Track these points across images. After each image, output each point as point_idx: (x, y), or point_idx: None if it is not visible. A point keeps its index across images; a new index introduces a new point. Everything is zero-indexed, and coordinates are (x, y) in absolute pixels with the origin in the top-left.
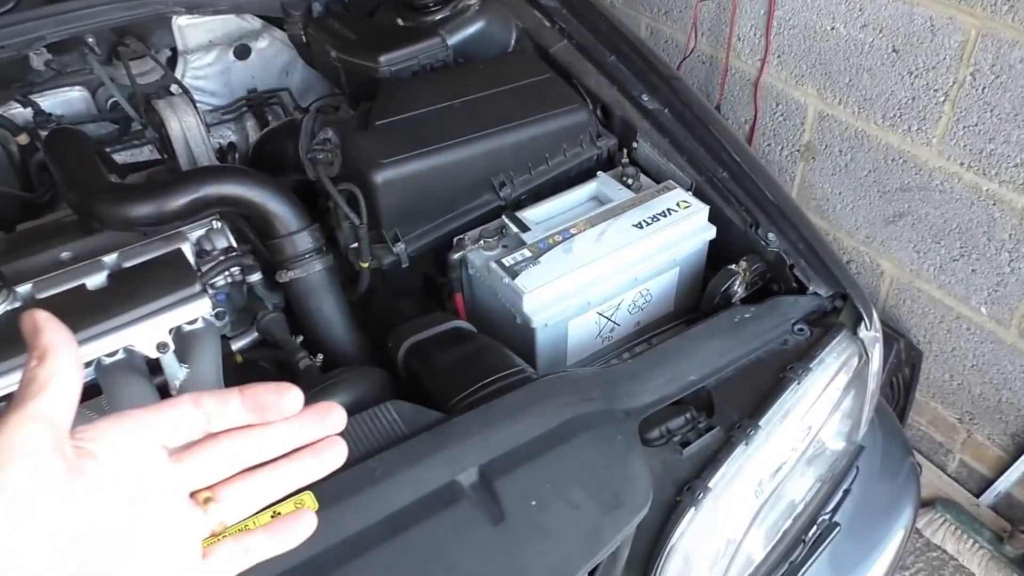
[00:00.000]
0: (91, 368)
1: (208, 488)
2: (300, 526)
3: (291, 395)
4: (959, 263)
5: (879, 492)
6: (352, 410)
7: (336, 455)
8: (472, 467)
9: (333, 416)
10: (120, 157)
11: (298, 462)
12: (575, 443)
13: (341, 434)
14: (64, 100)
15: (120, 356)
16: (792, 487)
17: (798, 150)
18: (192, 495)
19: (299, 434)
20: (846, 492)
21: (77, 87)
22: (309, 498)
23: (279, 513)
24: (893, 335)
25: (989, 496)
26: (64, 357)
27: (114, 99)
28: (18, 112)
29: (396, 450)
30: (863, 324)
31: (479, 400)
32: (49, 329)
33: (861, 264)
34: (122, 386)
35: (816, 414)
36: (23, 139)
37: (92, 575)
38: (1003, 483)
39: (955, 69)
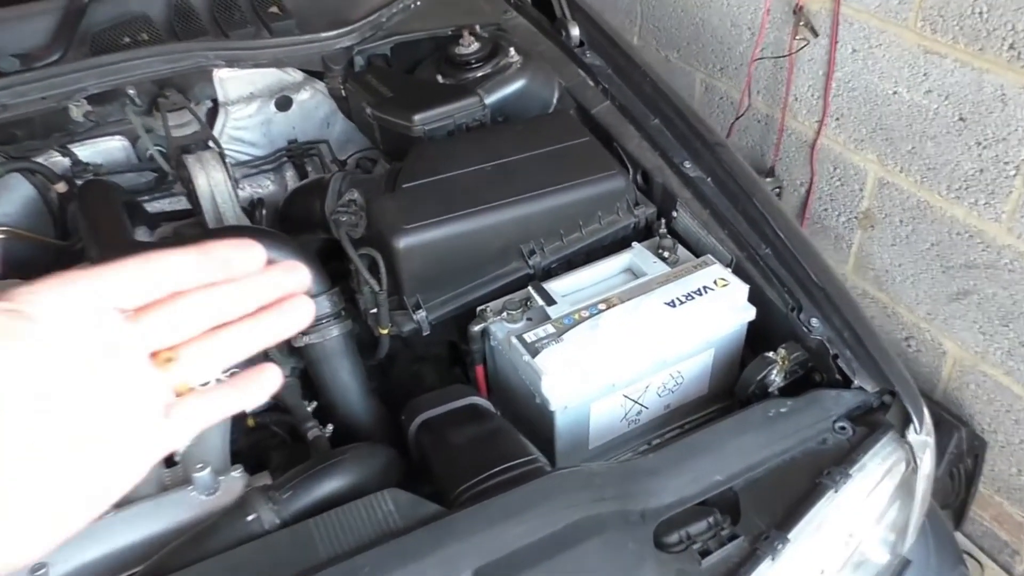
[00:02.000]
0: None
1: (169, 349)
2: (264, 379)
3: (253, 250)
4: None
5: None
6: (352, 493)
7: (302, 313)
8: (467, 571)
9: (298, 273)
10: (160, 204)
11: (262, 319)
12: (581, 549)
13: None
14: (104, 149)
15: None
16: None
17: (856, 217)
18: (153, 355)
19: (263, 292)
20: None
21: (118, 136)
22: None
23: None
24: (954, 422)
25: None
26: None
27: (154, 149)
28: (58, 161)
29: (387, 547)
30: (912, 426)
31: (484, 492)
32: None
33: (922, 342)
34: None
35: (856, 525)
36: (61, 187)
37: (47, 443)
38: None
39: None
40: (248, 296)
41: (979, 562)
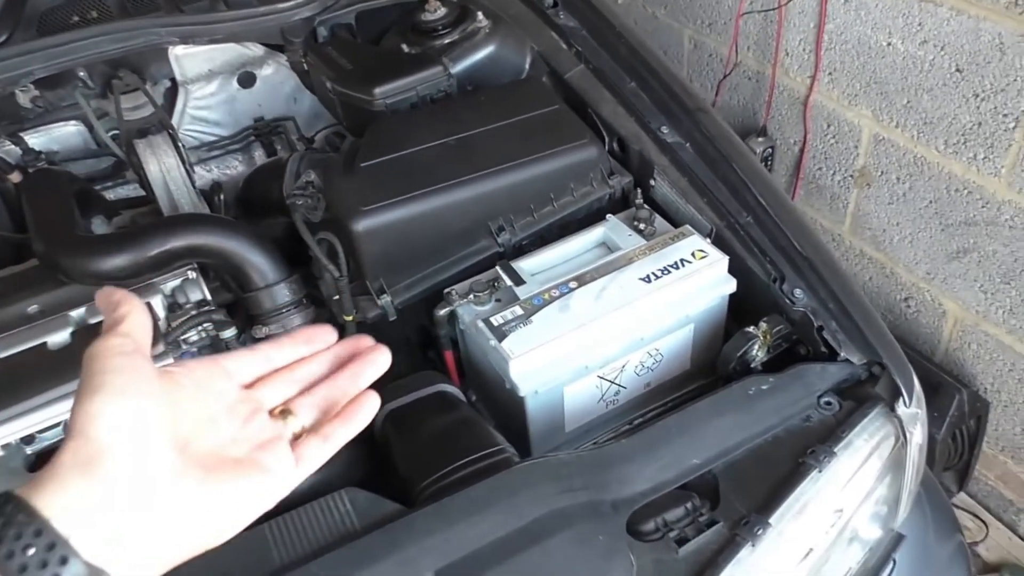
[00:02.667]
0: (59, 429)
1: (282, 405)
2: (366, 406)
3: (328, 329)
4: None
5: None
6: (311, 494)
7: (383, 360)
8: (427, 572)
9: (365, 339)
10: (124, 191)
11: (351, 370)
12: (548, 545)
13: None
14: (60, 135)
15: None
16: None
17: (851, 176)
18: (270, 413)
19: (341, 353)
20: None
21: (73, 121)
22: None
23: None
24: (956, 385)
25: None
26: (135, 302)
27: (111, 133)
28: (12, 149)
29: (343, 551)
30: (902, 399)
31: (447, 487)
32: (116, 291)
33: (921, 302)
34: None
35: (843, 503)
36: (16, 177)
37: (191, 471)
38: None
39: None
40: (328, 360)
41: (984, 521)
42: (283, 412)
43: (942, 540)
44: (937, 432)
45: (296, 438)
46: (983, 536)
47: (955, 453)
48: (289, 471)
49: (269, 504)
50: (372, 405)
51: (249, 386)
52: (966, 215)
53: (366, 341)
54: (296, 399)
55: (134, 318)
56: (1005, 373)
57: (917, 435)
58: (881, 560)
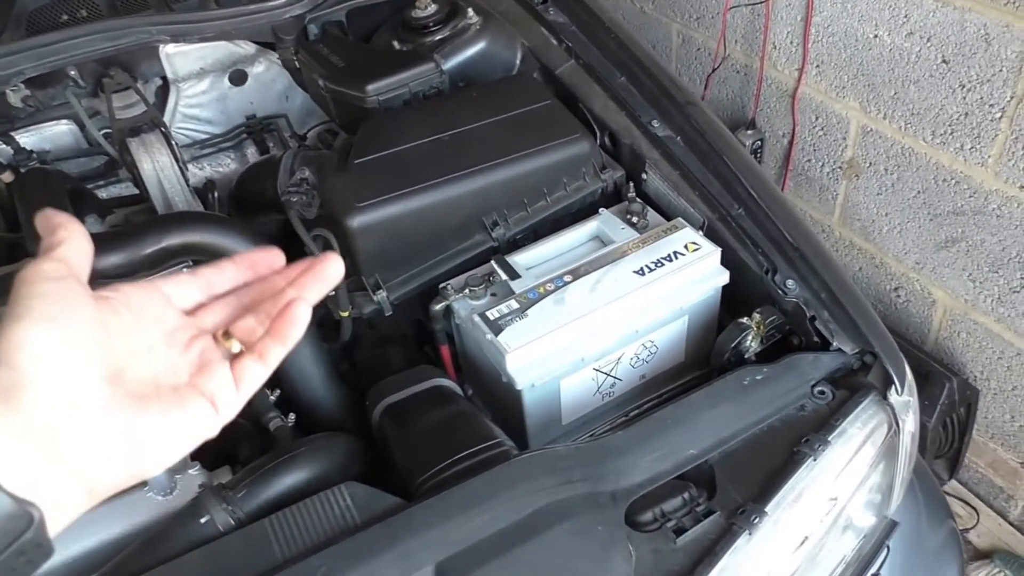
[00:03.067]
0: None
1: (223, 328)
2: (296, 317)
3: (275, 252)
4: (1020, 295)
5: (914, 570)
6: (310, 488)
7: (334, 269)
8: (428, 565)
9: (327, 261)
10: (116, 189)
11: (297, 284)
12: (548, 536)
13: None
14: (52, 135)
15: None
16: (810, 573)
17: (840, 167)
18: (213, 337)
19: (290, 275)
20: None
21: (64, 121)
22: None
23: None
24: (946, 373)
25: None
26: (73, 226)
27: (103, 132)
28: (4, 149)
29: (344, 545)
30: (894, 387)
31: (446, 481)
32: (57, 214)
33: (911, 292)
34: None
35: (837, 491)
36: (7, 177)
37: (134, 391)
38: None
39: (1012, 82)
40: (275, 283)
41: (975, 509)
42: (224, 335)
43: (935, 527)
44: (928, 420)
45: (236, 359)
46: (974, 523)
47: (945, 441)
48: (230, 395)
49: (212, 431)
50: (303, 315)
51: (189, 312)
52: (954, 205)
53: (319, 258)
54: (237, 321)
55: (72, 243)
56: (994, 361)
57: (909, 423)
58: (875, 547)
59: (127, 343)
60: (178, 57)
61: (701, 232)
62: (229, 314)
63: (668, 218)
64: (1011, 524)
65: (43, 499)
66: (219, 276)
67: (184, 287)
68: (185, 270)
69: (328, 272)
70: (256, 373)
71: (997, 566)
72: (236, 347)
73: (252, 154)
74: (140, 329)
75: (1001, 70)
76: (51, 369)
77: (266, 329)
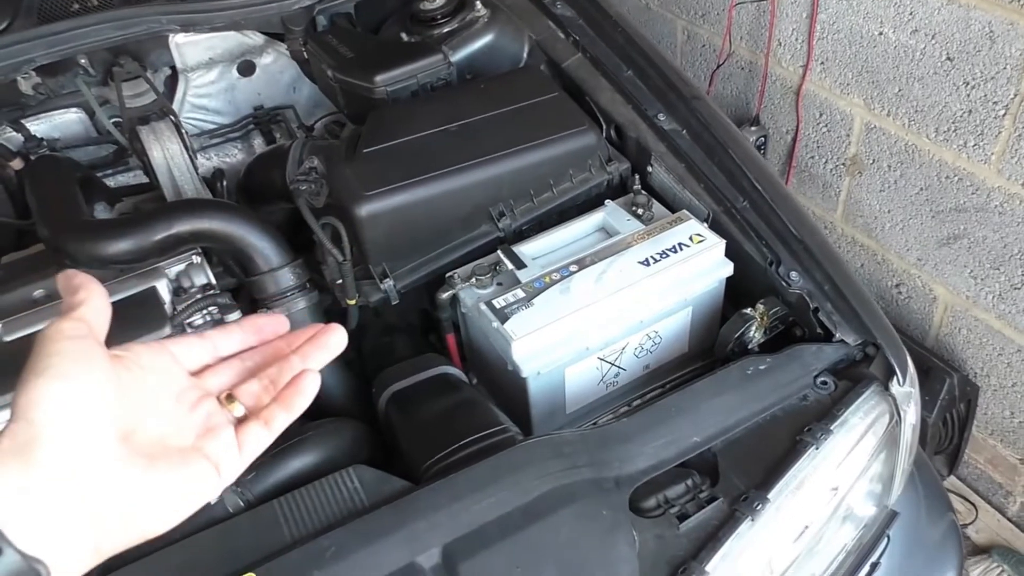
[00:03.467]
0: None
1: (228, 391)
2: (305, 387)
3: (280, 319)
4: (1021, 291)
5: (914, 561)
6: (319, 471)
7: (338, 340)
8: (435, 547)
9: (318, 325)
10: (124, 178)
11: (302, 352)
12: (553, 520)
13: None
14: (61, 123)
15: None
16: (811, 561)
17: (843, 164)
18: (217, 399)
19: (295, 342)
20: (874, 566)
21: (74, 109)
22: None
23: None
24: (946, 369)
25: None
26: (94, 287)
27: (112, 120)
28: (13, 136)
29: (352, 526)
30: (896, 378)
31: (452, 465)
32: (77, 275)
33: (912, 288)
34: None
35: (839, 480)
36: (18, 164)
37: (139, 453)
38: None
39: (1017, 80)
40: (280, 348)
41: (973, 505)
42: (228, 398)
43: (935, 519)
44: (928, 416)
45: (240, 424)
46: (973, 519)
47: (945, 437)
48: (233, 459)
49: (213, 493)
50: (311, 386)
51: (196, 373)
52: (957, 202)
53: (323, 328)
54: (241, 385)
55: (92, 303)
56: (995, 357)
57: (911, 414)
58: (875, 536)
59: (139, 402)
60: (188, 47)
61: (706, 224)
62: (234, 377)
63: (673, 210)
64: (1009, 520)
65: (51, 556)
66: (226, 339)
67: (192, 348)
68: (192, 333)
69: (332, 343)
70: (260, 438)
71: (995, 561)
72: (240, 411)
73: (259, 145)
74: (151, 389)
75: (1005, 68)
76: (66, 425)
77: (273, 396)
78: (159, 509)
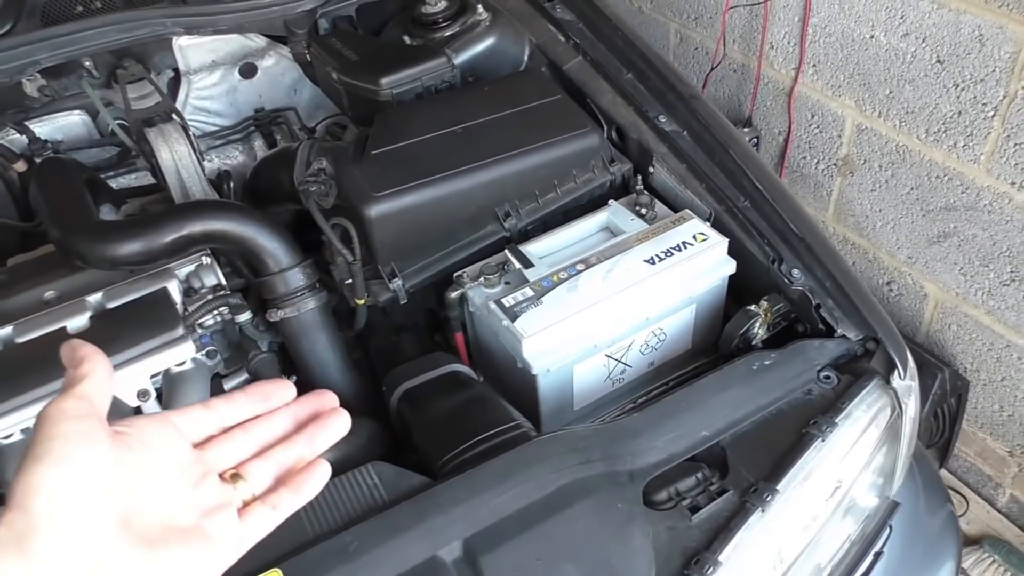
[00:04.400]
0: None
1: (233, 468)
2: (317, 475)
3: (286, 385)
4: (1010, 288)
5: (915, 552)
6: (336, 469)
7: (341, 423)
8: (456, 541)
9: (326, 397)
10: (125, 180)
11: (308, 432)
12: (570, 513)
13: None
14: (64, 125)
15: None
16: (818, 549)
17: (835, 164)
18: (221, 476)
19: (300, 414)
20: (878, 555)
21: (77, 111)
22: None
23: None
24: (937, 364)
25: None
26: (98, 360)
27: (117, 122)
28: (16, 139)
29: (374, 521)
30: (896, 372)
31: (469, 461)
32: (82, 346)
33: (903, 286)
34: None
35: (844, 472)
36: (21, 166)
37: (141, 535)
38: None
39: (1006, 82)
40: (290, 419)
41: (964, 497)
42: (233, 476)
43: (934, 509)
44: (920, 410)
45: (245, 504)
46: (964, 511)
47: (937, 431)
48: (235, 541)
49: (215, 574)
50: (323, 475)
51: (200, 444)
52: (947, 201)
53: (326, 400)
54: (248, 463)
55: (95, 378)
56: (984, 353)
57: (911, 406)
58: (878, 526)
59: (140, 482)
60: (191, 49)
61: (708, 223)
62: (240, 453)
63: (675, 210)
64: (999, 511)
65: None
66: (231, 409)
67: (196, 419)
68: (197, 404)
69: (337, 425)
70: (266, 521)
71: (986, 551)
72: (247, 492)
73: (260, 147)
74: (153, 466)
75: (994, 70)
76: (65, 514)
77: (281, 480)
78: None
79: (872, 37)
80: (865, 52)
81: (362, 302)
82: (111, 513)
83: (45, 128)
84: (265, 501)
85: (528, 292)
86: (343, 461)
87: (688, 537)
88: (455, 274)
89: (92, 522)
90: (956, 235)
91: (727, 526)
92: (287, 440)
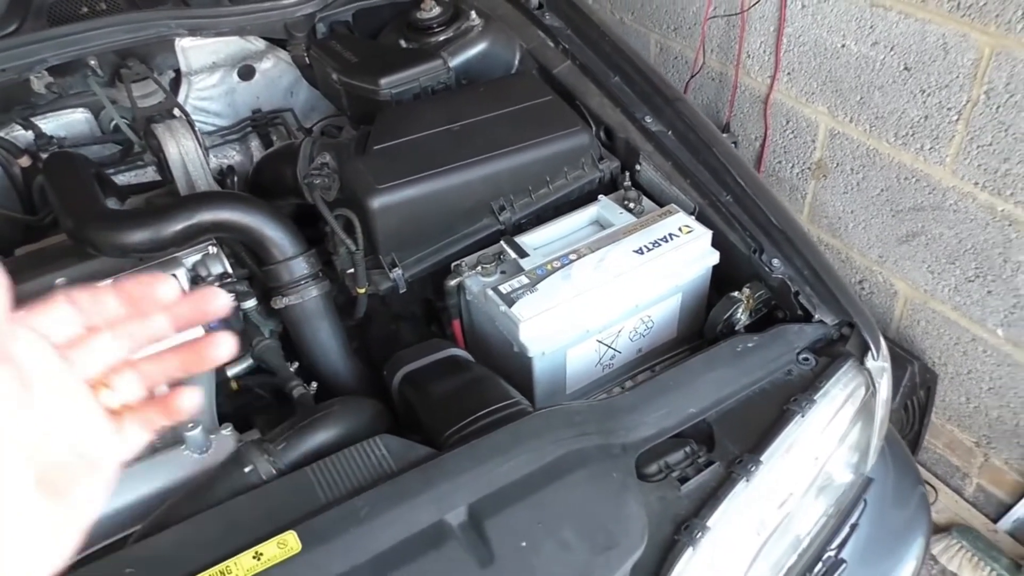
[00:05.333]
0: None
1: (101, 376)
2: (187, 401)
3: (164, 285)
4: (974, 284)
5: (888, 525)
6: (343, 443)
7: (224, 347)
8: (461, 506)
9: (213, 299)
10: (124, 178)
11: (189, 349)
12: (568, 481)
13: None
14: (67, 122)
15: None
16: (797, 522)
17: (809, 168)
18: (87, 383)
19: (179, 321)
20: (853, 527)
21: (80, 109)
22: (292, 538)
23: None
24: (907, 357)
25: (1007, 522)
26: None
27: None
28: (20, 134)
29: (383, 488)
30: (870, 353)
31: (472, 434)
32: None
33: (874, 284)
34: None
35: (821, 447)
36: (25, 161)
37: (17, 466)
38: (1021, 509)
39: (968, 88)
40: (164, 325)
41: (933, 487)
42: (100, 384)
43: (907, 488)
44: (892, 397)
45: (114, 413)
46: (933, 500)
47: (907, 423)
48: (114, 459)
49: (104, 499)
50: (193, 400)
51: (66, 346)
52: (915, 201)
53: (212, 298)
54: (116, 371)
55: None
56: (951, 347)
57: (884, 386)
58: (853, 500)
59: (32, 413)
60: (193, 51)
61: (693, 217)
62: (108, 355)
63: (661, 205)
64: (967, 500)
65: None
66: (96, 305)
67: (58, 317)
68: (61, 296)
69: (215, 356)
70: (138, 437)
71: (955, 538)
72: (114, 401)
73: (256, 147)
74: (22, 386)
75: (958, 76)
76: None
77: (151, 400)
78: (65, 534)
79: (843, 46)
80: (837, 60)
81: (364, 291)
82: (21, 452)
83: (49, 125)
84: (136, 415)
85: (524, 280)
86: (349, 437)
87: (678, 506)
88: (453, 264)
89: (7, 465)
90: (924, 234)
91: (715, 495)
92: (165, 354)
